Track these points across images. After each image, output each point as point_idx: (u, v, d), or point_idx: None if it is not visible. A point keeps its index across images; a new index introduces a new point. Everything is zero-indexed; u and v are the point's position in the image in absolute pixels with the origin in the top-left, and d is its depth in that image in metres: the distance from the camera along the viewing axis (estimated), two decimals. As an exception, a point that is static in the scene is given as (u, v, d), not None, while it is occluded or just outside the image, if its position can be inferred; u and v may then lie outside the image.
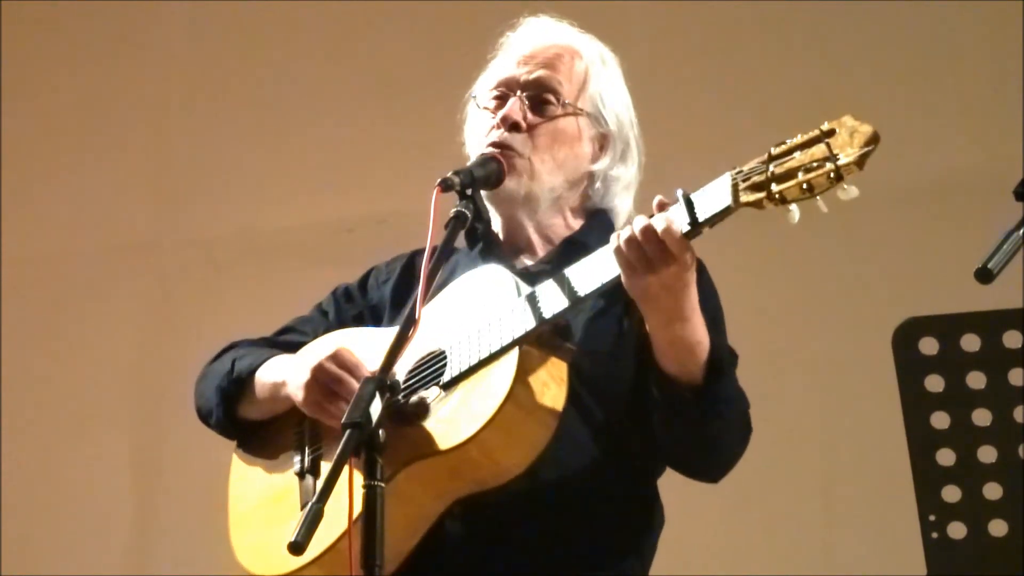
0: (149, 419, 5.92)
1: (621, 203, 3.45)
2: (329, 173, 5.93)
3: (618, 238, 3.03)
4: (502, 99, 3.42)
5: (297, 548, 2.75)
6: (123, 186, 6.10)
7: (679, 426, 3.16)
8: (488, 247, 3.44)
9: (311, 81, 5.99)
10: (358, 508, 2.87)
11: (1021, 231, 2.74)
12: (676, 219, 2.99)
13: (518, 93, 3.40)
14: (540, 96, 3.40)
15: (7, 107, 6.15)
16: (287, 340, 3.52)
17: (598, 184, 3.44)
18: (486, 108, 3.44)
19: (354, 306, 3.55)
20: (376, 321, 3.49)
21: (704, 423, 3.15)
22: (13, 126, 6.15)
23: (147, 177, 6.11)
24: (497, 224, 3.46)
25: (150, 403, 5.91)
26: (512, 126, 3.37)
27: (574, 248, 3.34)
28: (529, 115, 3.39)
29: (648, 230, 2.99)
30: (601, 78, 3.44)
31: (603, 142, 3.43)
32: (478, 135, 3.43)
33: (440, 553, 3.18)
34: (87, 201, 6.09)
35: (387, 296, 3.51)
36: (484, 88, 3.48)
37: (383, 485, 2.87)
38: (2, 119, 6.15)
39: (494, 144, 3.36)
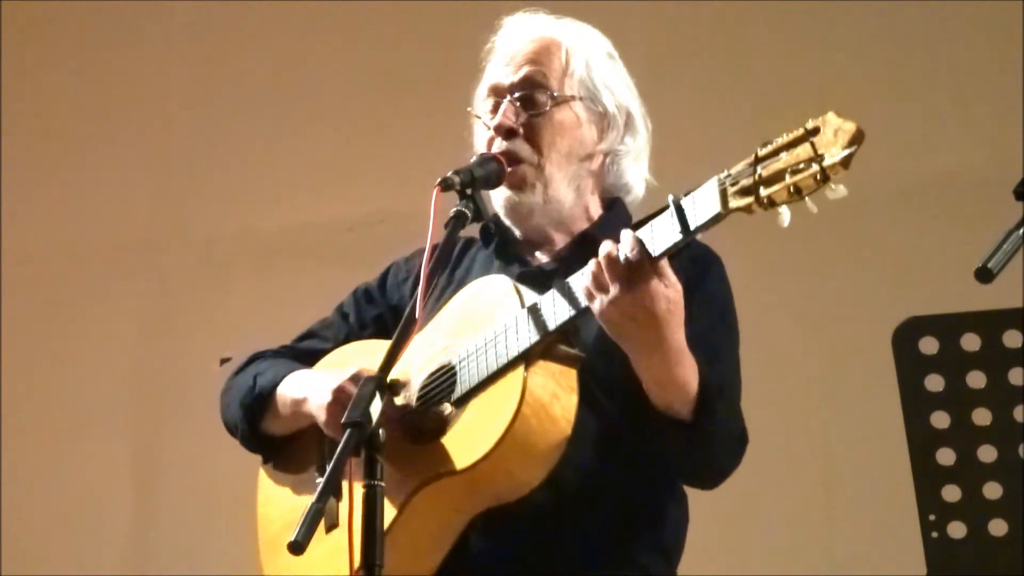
0: (149, 419, 5.92)
1: (634, 176, 3.45)
2: (329, 173, 5.93)
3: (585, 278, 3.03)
4: (495, 108, 3.41)
5: (297, 548, 2.74)
6: (123, 186, 6.10)
7: (669, 450, 3.17)
8: (504, 244, 3.44)
9: (311, 81, 6.00)
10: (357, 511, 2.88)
11: (1021, 231, 2.74)
12: (624, 244, 2.97)
13: (508, 97, 3.39)
14: (530, 95, 3.38)
15: (7, 107, 6.15)
16: (309, 347, 3.51)
17: (608, 161, 3.43)
18: (484, 122, 3.43)
19: (375, 307, 3.54)
20: (397, 320, 3.47)
21: (692, 451, 3.15)
22: (13, 125, 6.15)
23: (148, 177, 6.11)
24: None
25: (150, 403, 5.91)
26: (508, 133, 3.37)
27: (585, 244, 3.33)
28: (523, 115, 3.38)
29: (605, 254, 2.99)
30: (587, 60, 3.42)
31: (604, 122, 3.42)
32: (481, 149, 3.41)
33: (465, 562, 3.17)
34: (87, 200, 6.10)
35: (407, 295, 3.49)
36: (479, 100, 3.47)
37: (383, 485, 2.86)
38: (2, 119, 6.15)
39: (499, 156, 3.35)
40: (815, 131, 2.79)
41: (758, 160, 2.85)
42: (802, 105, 2.81)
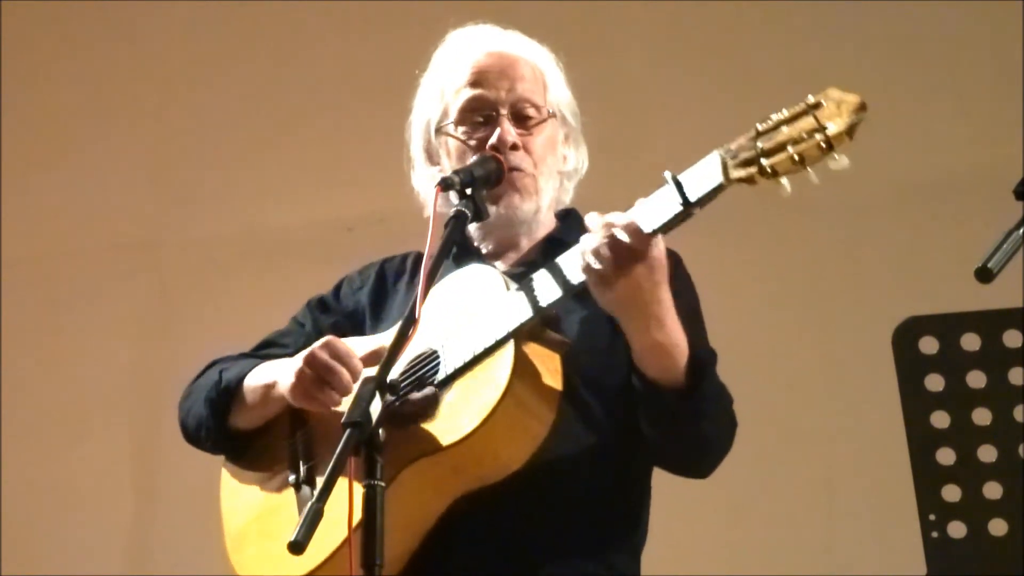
0: (149, 419, 5.91)
1: (570, 191, 3.50)
2: (329, 173, 5.93)
3: (582, 253, 3.02)
4: (485, 122, 3.41)
5: (297, 547, 2.73)
6: (123, 185, 6.10)
7: (666, 428, 3.17)
8: (463, 253, 3.44)
9: (311, 80, 6.00)
10: (358, 511, 2.86)
11: (1021, 230, 2.74)
12: (638, 216, 2.99)
13: (502, 112, 3.40)
14: (522, 111, 3.41)
15: (7, 105, 6.15)
16: (268, 354, 3.50)
17: (565, 181, 3.48)
18: (469, 133, 3.42)
19: (330, 315, 3.55)
20: (354, 328, 3.48)
21: (691, 424, 3.15)
22: (13, 124, 6.15)
23: (147, 176, 6.11)
24: (475, 230, 3.45)
25: (150, 403, 5.91)
26: (512, 147, 3.37)
27: (554, 246, 3.35)
28: (517, 130, 3.39)
29: (609, 233, 2.99)
30: (556, 79, 3.47)
31: (570, 141, 3.47)
32: (462, 160, 3.40)
33: (441, 550, 3.18)
34: (87, 200, 6.10)
35: (364, 302, 3.52)
36: (453, 111, 3.45)
37: (383, 484, 2.86)
38: (2, 118, 6.15)
39: (498, 156, 3.35)
40: (817, 105, 2.87)
41: (759, 134, 2.91)
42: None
